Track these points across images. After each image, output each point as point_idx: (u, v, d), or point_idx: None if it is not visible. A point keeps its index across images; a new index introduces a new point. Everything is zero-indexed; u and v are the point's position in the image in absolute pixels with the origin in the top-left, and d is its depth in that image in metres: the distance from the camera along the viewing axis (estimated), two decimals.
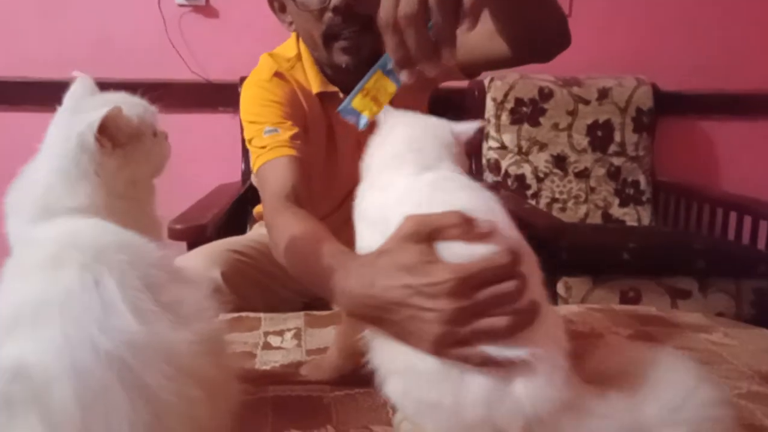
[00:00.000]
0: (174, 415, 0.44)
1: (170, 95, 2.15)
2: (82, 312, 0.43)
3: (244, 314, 0.96)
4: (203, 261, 1.08)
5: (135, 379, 0.42)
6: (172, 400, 0.43)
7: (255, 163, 1.04)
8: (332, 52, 1.05)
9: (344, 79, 1.11)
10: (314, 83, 1.12)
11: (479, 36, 0.93)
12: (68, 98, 0.61)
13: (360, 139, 1.15)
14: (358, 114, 0.60)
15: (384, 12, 0.54)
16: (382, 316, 0.57)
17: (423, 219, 0.57)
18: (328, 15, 1.01)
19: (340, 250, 0.69)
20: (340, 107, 0.60)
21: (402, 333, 0.56)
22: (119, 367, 0.42)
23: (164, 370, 0.43)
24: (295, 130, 1.05)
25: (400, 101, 1.21)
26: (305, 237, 0.79)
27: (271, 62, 1.13)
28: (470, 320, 0.53)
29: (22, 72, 2.13)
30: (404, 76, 0.57)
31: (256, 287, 1.13)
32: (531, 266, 0.58)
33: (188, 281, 0.52)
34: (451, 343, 0.53)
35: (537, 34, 0.87)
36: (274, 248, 0.91)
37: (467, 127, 0.68)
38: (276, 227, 0.90)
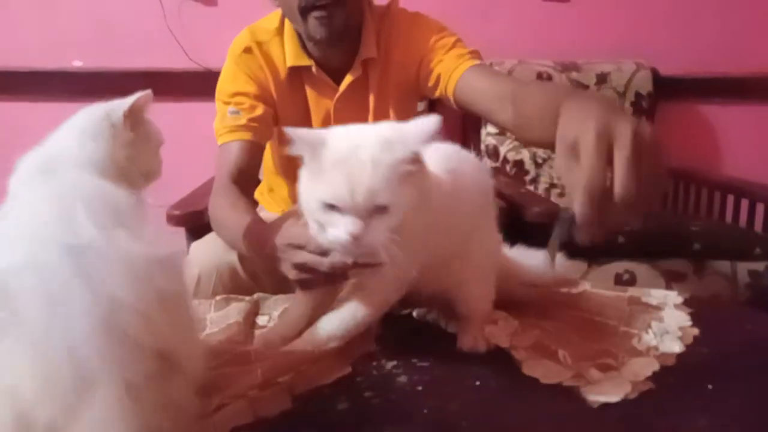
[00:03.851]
0: (129, 313, 0.46)
1: (169, 84, 2.19)
2: (47, 222, 0.48)
3: (240, 296, 0.99)
4: (221, 244, 1.11)
5: (93, 277, 0.45)
6: (129, 300, 0.46)
7: (217, 140, 1.19)
8: (308, 24, 1.10)
9: (322, 53, 1.18)
10: (289, 56, 1.18)
11: None
12: (119, 101, 0.67)
13: (329, 110, 1.20)
14: None
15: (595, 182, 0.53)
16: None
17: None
18: None
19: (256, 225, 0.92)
20: None
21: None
22: (78, 265, 0.45)
23: (121, 271, 0.46)
24: (257, 111, 1.15)
25: (395, 102, 1.24)
26: (235, 216, 0.98)
27: (246, 36, 1.21)
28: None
29: (21, 62, 2.15)
30: (582, 239, 0.55)
31: (269, 271, 1.15)
32: None
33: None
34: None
35: None
36: (212, 219, 1.09)
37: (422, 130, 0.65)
38: (215, 204, 1.08)
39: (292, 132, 0.63)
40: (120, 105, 0.64)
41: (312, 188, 0.65)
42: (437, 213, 0.70)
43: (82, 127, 0.63)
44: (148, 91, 0.65)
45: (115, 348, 0.45)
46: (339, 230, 0.62)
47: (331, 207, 0.62)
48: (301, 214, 0.71)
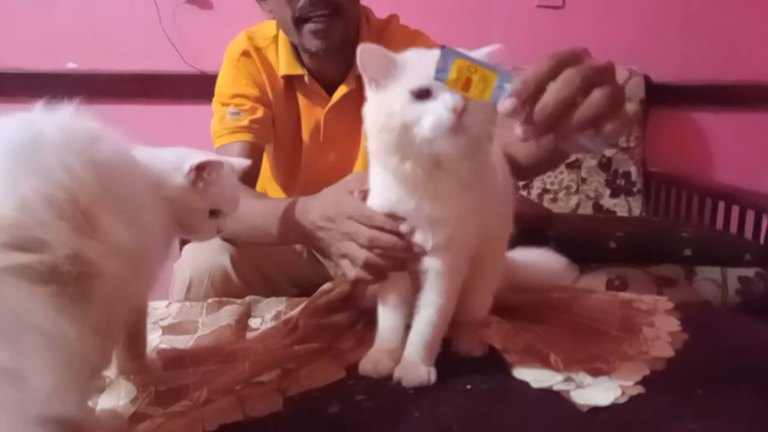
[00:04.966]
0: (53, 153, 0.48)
1: (164, 86, 2.19)
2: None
3: (232, 299, 0.99)
4: (214, 246, 1.11)
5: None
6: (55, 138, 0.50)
7: (215, 141, 1.16)
8: (303, 36, 1.09)
9: (316, 63, 1.17)
10: (282, 65, 1.18)
11: None
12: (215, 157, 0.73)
13: (320, 120, 1.20)
14: (446, 69, 0.55)
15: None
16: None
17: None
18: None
19: (289, 202, 0.91)
20: (447, 49, 0.56)
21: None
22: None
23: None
24: (258, 113, 1.15)
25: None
26: (257, 201, 0.98)
27: (244, 40, 1.20)
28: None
29: (15, 63, 2.14)
30: (506, 104, 0.55)
31: (261, 275, 1.16)
32: None
33: None
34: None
35: None
36: None
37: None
38: None
39: (367, 48, 0.64)
40: (198, 156, 0.69)
41: (393, 95, 0.63)
42: (490, 195, 0.71)
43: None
44: (217, 159, 0.70)
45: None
46: (439, 109, 0.59)
47: (422, 96, 0.60)
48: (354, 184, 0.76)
